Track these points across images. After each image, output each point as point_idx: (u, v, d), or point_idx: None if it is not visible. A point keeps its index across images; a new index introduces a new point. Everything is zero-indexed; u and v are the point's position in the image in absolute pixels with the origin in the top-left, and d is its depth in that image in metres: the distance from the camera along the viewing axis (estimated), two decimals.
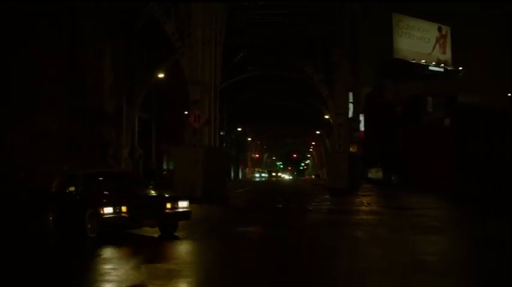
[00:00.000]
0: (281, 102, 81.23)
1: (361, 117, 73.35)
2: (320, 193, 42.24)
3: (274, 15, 47.23)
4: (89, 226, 15.46)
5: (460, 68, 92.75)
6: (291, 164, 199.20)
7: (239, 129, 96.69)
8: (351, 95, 50.29)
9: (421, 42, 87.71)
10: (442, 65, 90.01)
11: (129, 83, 40.11)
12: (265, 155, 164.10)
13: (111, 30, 38.70)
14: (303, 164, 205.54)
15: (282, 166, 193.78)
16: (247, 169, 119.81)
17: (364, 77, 64.53)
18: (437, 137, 41.25)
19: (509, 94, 67.78)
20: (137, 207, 15.61)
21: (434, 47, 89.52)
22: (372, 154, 78.00)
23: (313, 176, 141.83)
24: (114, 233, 15.73)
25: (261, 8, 45.73)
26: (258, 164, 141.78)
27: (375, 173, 75.28)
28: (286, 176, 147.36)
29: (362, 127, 75.42)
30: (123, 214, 15.26)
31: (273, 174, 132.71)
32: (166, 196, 17.25)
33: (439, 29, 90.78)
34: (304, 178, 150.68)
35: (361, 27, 54.30)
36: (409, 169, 53.11)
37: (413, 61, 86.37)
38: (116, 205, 15.21)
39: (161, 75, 43.85)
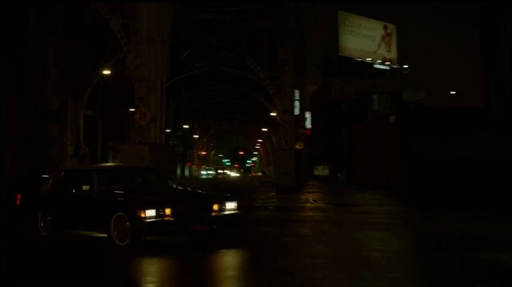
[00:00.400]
0: (228, 99, 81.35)
1: (308, 115, 73.81)
2: (267, 190, 42.38)
3: (222, 13, 47.20)
4: (116, 233, 13.18)
5: (406, 66, 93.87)
6: (237, 162, 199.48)
7: (186, 126, 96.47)
8: (297, 92, 50.50)
9: (366, 41, 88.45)
10: (388, 63, 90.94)
11: (74, 80, 39.71)
12: (212, 153, 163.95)
13: (54, 26, 38.25)
14: (249, 162, 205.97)
15: (228, 163, 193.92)
16: (194, 166, 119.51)
17: (310, 74, 65.11)
18: (383, 134, 41.65)
19: (453, 92, 68.80)
20: (182, 209, 13.23)
21: (379, 45, 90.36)
22: (318, 151, 78.58)
23: (259, 174, 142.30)
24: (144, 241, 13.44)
25: (208, 5, 45.66)
26: (205, 162, 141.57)
27: (321, 170, 75.87)
28: (233, 174, 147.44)
29: (308, 124, 75.92)
30: (167, 218, 12.89)
31: (220, 171, 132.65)
32: (212, 195, 15.03)
33: (385, 28, 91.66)
34: (250, 175, 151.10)
35: (307, 25, 54.61)
36: (355, 166, 53.60)
37: (359, 59, 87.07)
38: (159, 207, 12.88)
39: (107, 73, 43.53)
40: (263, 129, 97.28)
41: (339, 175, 64.56)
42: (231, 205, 14.06)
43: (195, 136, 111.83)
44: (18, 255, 13.31)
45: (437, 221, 19.35)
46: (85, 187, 14.58)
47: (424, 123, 34.96)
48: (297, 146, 47.86)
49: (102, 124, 54.57)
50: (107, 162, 55.12)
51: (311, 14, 55.86)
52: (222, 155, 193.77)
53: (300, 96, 54.44)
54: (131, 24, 29.05)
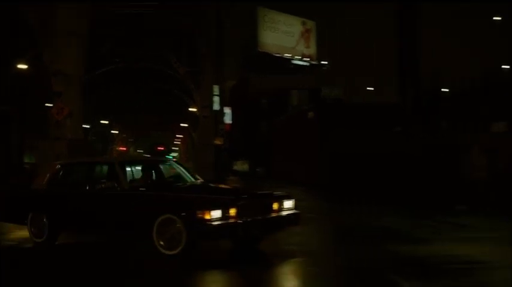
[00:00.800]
0: (148, 94, 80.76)
1: (227, 110, 73.92)
2: None
3: (142, 8, 46.81)
4: (162, 242, 11.06)
5: (325, 62, 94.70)
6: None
7: (105, 122, 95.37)
8: (216, 88, 50.57)
9: (285, 37, 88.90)
10: (307, 59, 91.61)
11: None
12: (132, 148, 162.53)
13: None
14: (171, 157, 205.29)
15: None
16: None
17: (229, 70, 65.24)
18: (302, 130, 41.95)
19: (371, 88, 69.99)
20: (246, 209, 11.17)
21: (298, 41, 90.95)
22: (238, 146, 78.72)
23: None
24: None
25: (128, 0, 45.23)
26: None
27: (240, 165, 76.01)
28: None
29: (228, 120, 76.02)
30: (232, 220, 10.85)
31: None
32: (271, 193, 12.65)
33: (304, 24, 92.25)
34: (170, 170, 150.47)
35: (227, 21, 54.72)
36: (274, 161, 53.86)
37: (278, 55, 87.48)
38: (224, 207, 10.85)
39: (23, 67, 42.64)
40: (183, 125, 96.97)
41: (258, 170, 64.83)
42: (289, 204, 12.17)
43: (114, 132, 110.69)
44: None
45: (355, 216, 19.65)
46: (108, 184, 12.41)
47: (342, 119, 35.33)
48: (217, 142, 47.99)
49: (18, 120, 53.55)
50: (22, 158, 54.15)
51: (231, 10, 56.02)
52: (142, 151, 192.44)
53: (220, 91, 54.55)
54: (47, 18, 28.57)
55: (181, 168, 14.36)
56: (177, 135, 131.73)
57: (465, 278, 10.11)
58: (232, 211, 10.85)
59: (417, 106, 30.85)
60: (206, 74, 44.56)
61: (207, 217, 10.61)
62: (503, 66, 49.51)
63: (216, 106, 51.41)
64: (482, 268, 10.86)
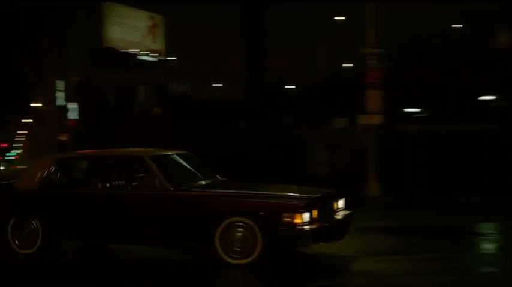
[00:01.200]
0: None
1: (73, 106, 72.47)
2: None
3: None
4: (227, 250, 9.87)
5: (173, 58, 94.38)
6: None
7: None
8: (61, 83, 49.51)
9: (132, 31, 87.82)
10: (156, 54, 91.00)
11: None
12: None
13: None
14: (14, 154, 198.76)
15: None
16: None
17: (74, 64, 63.88)
18: (149, 126, 41.69)
19: (220, 84, 70.62)
20: (322, 211, 10.00)
21: (145, 36, 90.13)
22: (84, 142, 77.16)
23: (24, 166, 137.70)
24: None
25: None
26: None
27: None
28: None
29: (75, 116, 74.55)
30: (316, 224, 9.64)
31: None
32: (330, 191, 11.17)
33: (151, 18, 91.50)
34: (14, 167, 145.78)
35: (73, 14, 53.69)
36: None
37: (124, 50, 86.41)
38: (309, 208, 9.63)
39: None
40: (26, 121, 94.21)
41: None
42: (342, 203, 11.08)
43: None
44: None
45: None
46: (143, 182, 10.83)
47: (190, 114, 35.40)
48: (61, 138, 47.10)
49: None
50: None
51: (76, 3, 54.93)
52: None
53: (65, 86, 53.44)
54: None
55: (200, 162, 12.99)
56: (19, 132, 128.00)
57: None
58: (315, 213, 9.74)
59: (262, 102, 31.34)
60: (49, 68, 43.44)
61: (298, 220, 9.44)
62: (344, 65, 51.21)
63: (61, 102, 50.31)
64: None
